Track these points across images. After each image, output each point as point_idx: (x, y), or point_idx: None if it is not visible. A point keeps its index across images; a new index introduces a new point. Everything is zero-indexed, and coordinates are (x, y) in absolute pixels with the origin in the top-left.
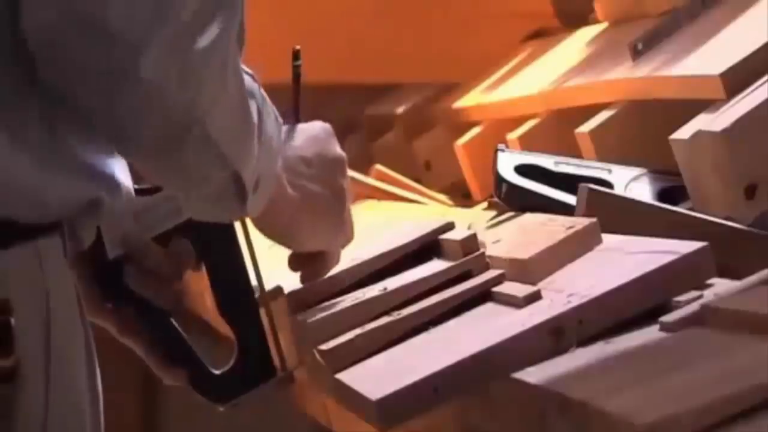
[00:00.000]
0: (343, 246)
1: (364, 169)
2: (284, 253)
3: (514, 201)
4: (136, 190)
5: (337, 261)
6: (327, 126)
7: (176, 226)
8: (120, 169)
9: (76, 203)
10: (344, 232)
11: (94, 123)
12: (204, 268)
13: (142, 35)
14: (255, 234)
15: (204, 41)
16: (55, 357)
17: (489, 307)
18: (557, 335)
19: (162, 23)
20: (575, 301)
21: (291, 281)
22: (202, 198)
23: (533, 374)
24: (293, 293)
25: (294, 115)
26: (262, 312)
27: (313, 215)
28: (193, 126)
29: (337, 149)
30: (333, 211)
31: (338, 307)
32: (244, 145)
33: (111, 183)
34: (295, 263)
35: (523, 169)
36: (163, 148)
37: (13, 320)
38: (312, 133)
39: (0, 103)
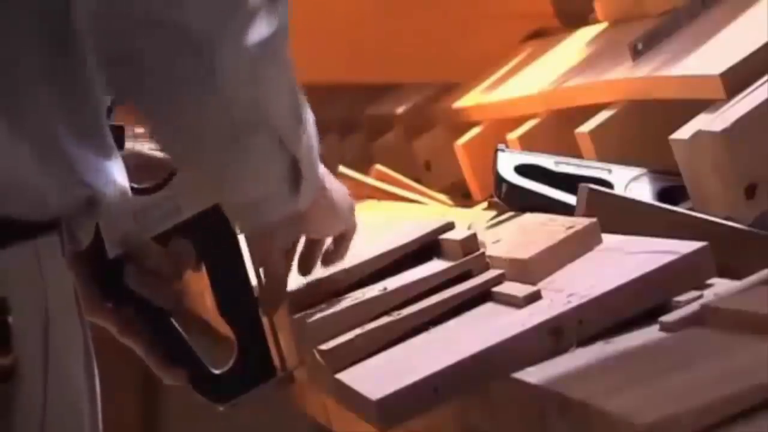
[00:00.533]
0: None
1: (364, 169)
2: None
3: (514, 201)
4: (135, 190)
5: (354, 229)
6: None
7: (176, 225)
8: (117, 170)
9: (74, 202)
10: (352, 206)
11: (155, 126)
12: (204, 268)
13: (217, 29)
14: None
15: (266, 30)
16: (53, 356)
17: (489, 307)
18: (557, 335)
19: (231, 16)
20: (575, 301)
21: (291, 280)
22: (259, 198)
23: (533, 374)
24: (293, 293)
25: None
26: (262, 312)
27: (341, 205)
28: (260, 122)
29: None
30: (347, 197)
31: (338, 307)
32: (296, 131)
33: (108, 182)
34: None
35: (523, 169)
36: (227, 140)
37: (11, 319)
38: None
39: (7, 91)
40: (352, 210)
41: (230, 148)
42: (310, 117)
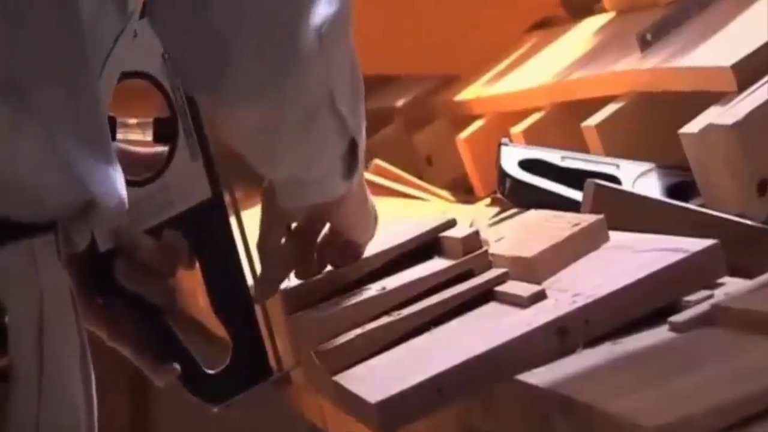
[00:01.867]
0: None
1: (365, 164)
2: None
3: (518, 197)
4: (127, 182)
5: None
6: None
7: (169, 219)
8: (117, 176)
9: (72, 204)
10: (376, 222)
11: (233, 115)
12: (197, 265)
13: (298, 8)
14: (251, 229)
15: (331, 8)
16: (49, 358)
17: (492, 307)
18: (563, 336)
19: None
20: (581, 301)
21: (288, 279)
22: (313, 179)
23: (538, 376)
24: (290, 292)
25: None
26: (258, 310)
27: (364, 203)
28: (326, 97)
29: None
30: (368, 200)
31: (336, 307)
32: (357, 109)
33: (107, 188)
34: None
35: (527, 164)
36: (302, 125)
37: (6, 320)
38: None
39: (11, 89)
40: (375, 221)
41: (304, 130)
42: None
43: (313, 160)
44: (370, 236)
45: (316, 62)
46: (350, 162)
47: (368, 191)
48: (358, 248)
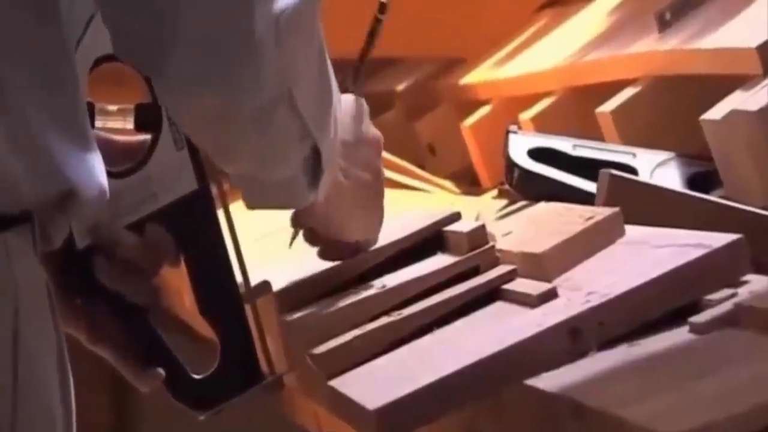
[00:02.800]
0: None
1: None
2: (273, 245)
3: (527, 188)
4: (108, 173)
5: (375, 242)
6: (361, 101)
7: (152, 212)
8: (96, 164)
9: (48, 193)
10: (381, 219)
11: (181, 99)
12: (183, 262)
13: None
14: (240, 224)
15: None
16: (24, 356)
17: (499, 306)
18: (575, 337)
19: None
20: (595, 300)
21: (280, 276)
22: (275, 181)
23: (548, 380)
24: (283, 290)
25: (354, 80)
26: (248, 311)
27: (360, 205)
28: (285, 93)
29: (373, 129)
30: (378, 197)
31: (333, 307)
32: (323, 116)
33: (86, 177)
34: (329, 246)
35: (537, 153)
36: (257, 119)
37: None
38: (351, 108)
39: None
40: (378, 222)
41: (258, 125)
42: (339, 113)
43: (270, 158)
44: (368, 235)
45: (272, 52)
46: (314, 170)
47: (373, 188)
48: (356, 245)
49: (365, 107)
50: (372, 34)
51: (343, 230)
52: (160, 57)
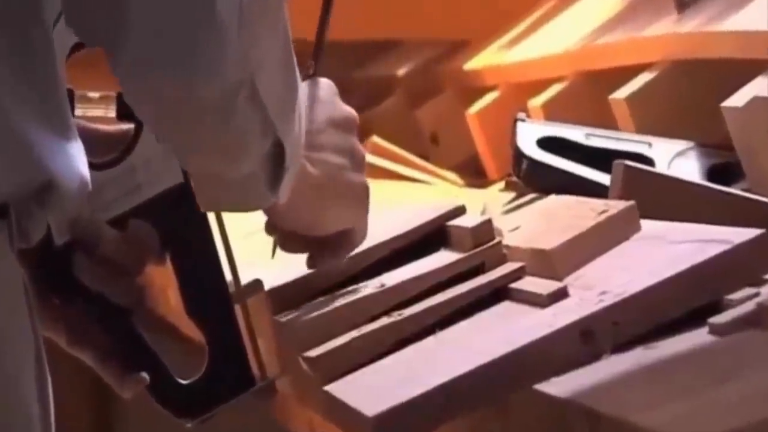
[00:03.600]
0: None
1: (361, 142)
2: (265, 241)
3: (536, 180)
4: (89, 164)
5: (364, 236)
6: (329, 82)
7: (136, 206)
8: (77, 154)
9: (25, 184)
10: (367, 204)
11: (134, 81)
12: (168, 260)
13: None
14: (230, 219)
15: None
16: None
17: (506, 306)
18: (587, 339)
19: None
20: (608, 300)
21: (272, 275)
22: (233, 179)
23: (559, 384)
24: (275, 289)
25: (314, 64)
26: (238, 311)
27: (338, 194)
28: (245, 81)
29: (345, 107)
30: (357, 181)
31: (328, 306)
32: (287, 109)
33: (66, 167)
34: (313, 249)
35: (546, 143)
36: (216, 108)
37: None
38: (314, 92)
39: None
40: (362, 207)
41: (218, 115)
42: (303, 108)
43: (230, 152)
44: (355, 224)
45: (233, 36)
46: (275, 169)
47: (349, 171)
48: (346, 242)
49: (333, 87)
50: (326, 8)
51: (323, 224)
52: (114, 37)
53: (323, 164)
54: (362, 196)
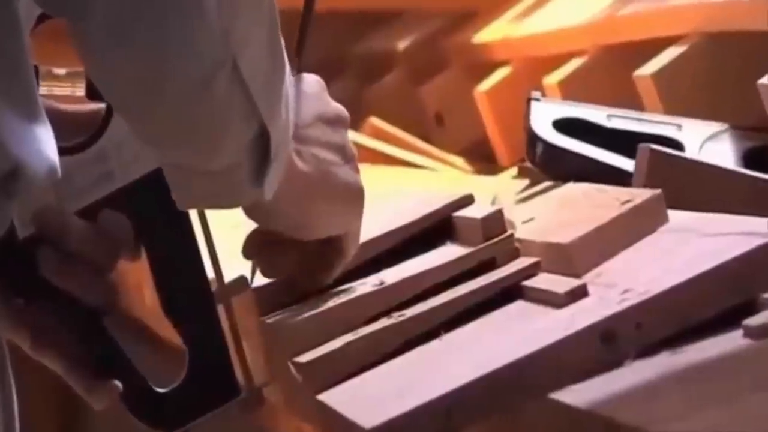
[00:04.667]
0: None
1: (356, 124)
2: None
3: (552, 166)
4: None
5: (356, 244)
6: (316, 77)
7: (107, 195)
8: (45, 138)
9: None
10: (361, 206)
11: (100, 60)
12: (144, 254)
13: None
14: (211, 210)
15: None
16: None
17: (519, 306)
18: (609, 343)
19: None
20: (632, 299)
21: (259, 271)
22: (211, 172)
23: (576, 394)
24: (263, 287)
25: (298, 60)
26: (221, 312)
27: (329, 192)
28: (226, 62)
29: (335, 103)
30: (350, 179)
31: (322, 306)
32: (273, 92)
33: (33, 153)
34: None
35: (564, 125)
36: (192, 90)
37: None
38: (301, 88)
39: None
40: (356, 209)
41: (194, 95)
42: (292, 95)
43: (207, 140)
44: (348, 227)
45: (214, 11)
46: (260, 160)
47: (342, 169)
48: (339, 251)
49: (321, 83)
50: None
51: (312, 225)
52: (78, 7)
53: (313, 159)
54: (356, 197)
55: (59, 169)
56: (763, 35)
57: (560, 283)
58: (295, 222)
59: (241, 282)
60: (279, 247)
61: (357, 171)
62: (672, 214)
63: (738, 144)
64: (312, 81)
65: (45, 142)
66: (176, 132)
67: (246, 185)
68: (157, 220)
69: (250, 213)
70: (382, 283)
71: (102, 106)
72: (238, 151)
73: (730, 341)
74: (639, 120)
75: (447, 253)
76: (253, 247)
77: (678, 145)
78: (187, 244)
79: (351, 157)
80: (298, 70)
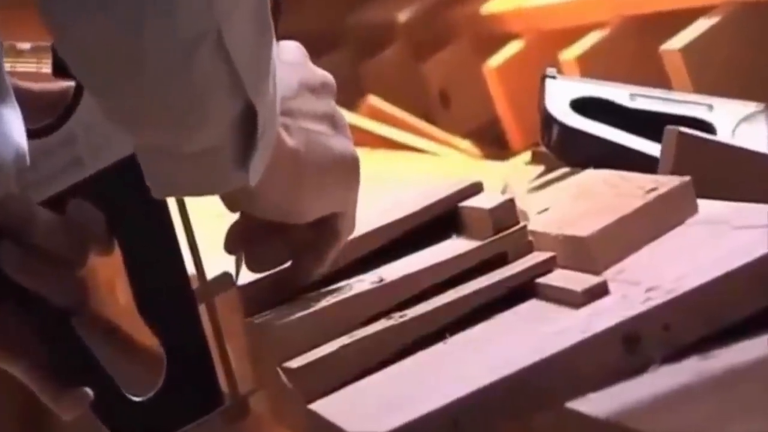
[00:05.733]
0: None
1: (352, 103)
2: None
3: (569, 151)
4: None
5: (352, 225)
6: (297, 44)
7: (77, 183)
8: (11, 119)
9: None
10: (357, 177)
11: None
12: (117, 248)
13: None
14: (193, 198)
15: None
16: None
17: (532, 306)
18: (632, 346)
19: None
20: (658, 298)
21: (246, 266)
22: (190, 154)
23: (596, 403)
24: (250, 285)
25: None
26: (203, 312)
27: (320, 164)
28: (210, 32)
29: (319, 70)
30: (343, 149)
31: (314, 306)
32: (260, 66)
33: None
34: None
35: (582, 105)
36: (170, 64)
37: None
38: (283, 56)
39: None
40: (351, 183)
41: (174, 68)
42: (279, 69)
43: (187, 118)
44: (344, 207)
45: None
46: (245, 141)
47: (333, 140)
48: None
49: (302, 49)
50: None
51: (304, 207)
52: None
53: (301, 132)
54: (351, 168)
55: (27, 155)
56: None
57: (578, 281)
58: (284, 206)
59: (225, 279)
60: (265, 237)
61: (350, 139)
62: (702, 203)
63: None
64: (292, 48)
65: (12, 125)
66: (153, 109)
67: (229, 169)
68: (131, 211)
69: (231, 200)
70: (381, 281)
71: (70, 84)
72: (221, 131)
73: (764, 345)
74: (666, 99)
75: (453, 247)
76: (236, 241)
77: (709, 128)
78: (164, 236)
79: (342, 125)
80: (276, 35)
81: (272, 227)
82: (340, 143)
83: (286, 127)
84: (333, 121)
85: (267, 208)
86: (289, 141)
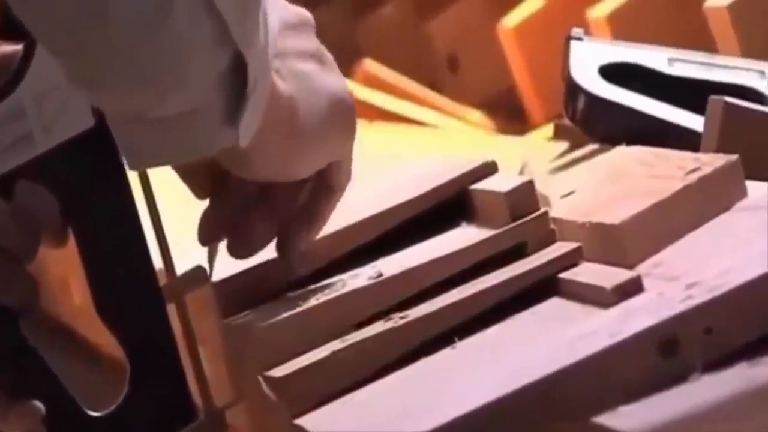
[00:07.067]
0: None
1: (345, 68)
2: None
3: (597, 125)
4: None
5: (349, 175)
6: None
7: (26, 163)
8: None
9: None
10: (353, 118)
11: None
12: (73, 239)
13: None
14: (161, 179)
15: None
16: None
17: (554, 305)
18: (669, 352)
19: None
20: (700, 297)
21: (223, 260)
22: (171, 117)
23: (628, 417)
24: (227, 281)
25: None
26: (172, 312)
27: (317, 111)
28: None
29: (292, 6)
30: (335, 85)
31: (302, 305)
32: (249, 12)
33: None
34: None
35: (613, 71)
36: (147, 10)
37: None
38: None
39: None
40: (343, 122)
41: (150, 19)
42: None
43: (163, 78)
44: (340, 153)
45: None
46: (234, 97)
47: (321, 78)
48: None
49: None
50: None
51: (298, 161)
52: None
53: (292, 76)
54: (347, 109)
55: None
56: None
57: (607, 276)
58: (280, 162)
59: (198, 274)
60: (248, 214)
61: (340, 75)
62: (751, 186)
63: None
64: None
65: None
66: (128, 69)
67: (218, 128)
68: (89, 195)
69: (212, 168)
70: (379, 276)
71: (17, 47)
72: (203, 91)
73: None
74: (710, 65)
75: (462, 237)
76: (211, 228)
77: (760, 98)
78: (127, 225)
79: (329, 60)
80: None
81: (254, 198)
82: (333, 81)
83: (278, 72)
84: (320, 58)
85: (260, 168)
86: (284, 87)
